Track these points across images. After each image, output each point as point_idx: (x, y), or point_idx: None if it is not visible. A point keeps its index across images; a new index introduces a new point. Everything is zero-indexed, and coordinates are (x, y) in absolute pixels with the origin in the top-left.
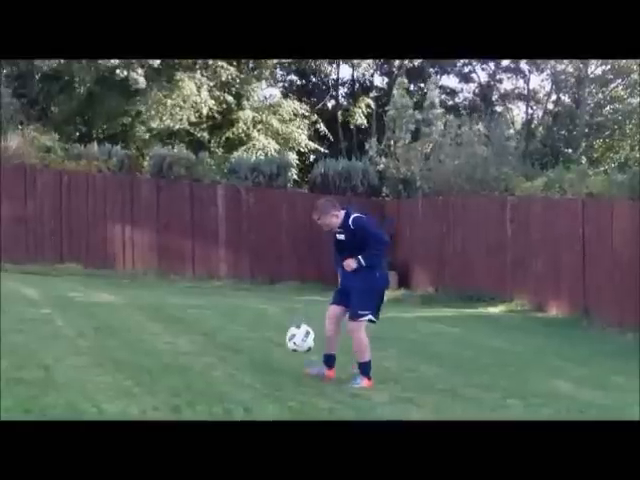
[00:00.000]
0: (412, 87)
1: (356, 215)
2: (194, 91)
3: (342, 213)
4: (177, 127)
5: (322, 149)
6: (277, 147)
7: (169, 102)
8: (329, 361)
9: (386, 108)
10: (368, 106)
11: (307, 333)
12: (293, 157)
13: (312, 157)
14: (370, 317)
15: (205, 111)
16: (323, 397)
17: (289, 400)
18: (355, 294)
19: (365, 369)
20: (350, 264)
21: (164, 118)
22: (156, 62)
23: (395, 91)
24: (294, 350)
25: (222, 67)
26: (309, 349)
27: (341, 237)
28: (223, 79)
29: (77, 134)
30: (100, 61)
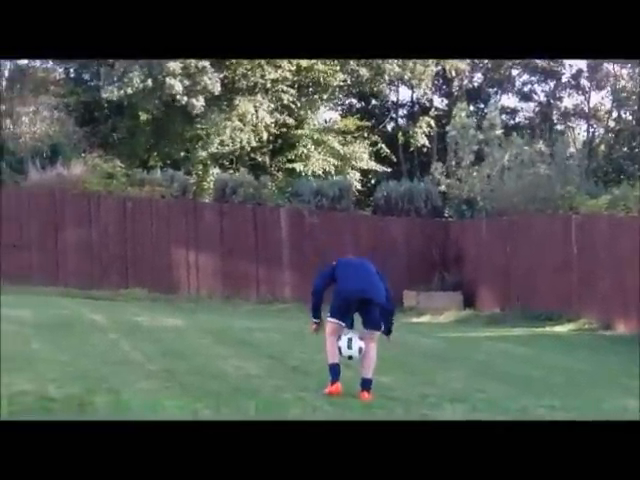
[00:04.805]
0: (472, 108)
1: None
2: (251, 110)
3: None
4: (238, 151)
5: (384, 168)
6: (337, 166)
7: (228, 124)
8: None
9: (447, 129)
10: (429, 125)
11: (349, 340)
12: (356, 177)
13: (373, 180)
14: (330, 319)
15: (265, 135)
16: (394, 416)
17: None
18: None
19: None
20: None
21: (224, 142)
22: (217, 89)
23: (456, 112)
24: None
25: (283, 90)
26: (350, 357)
27: None
28: (285, 102)
29: (139, 160)
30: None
